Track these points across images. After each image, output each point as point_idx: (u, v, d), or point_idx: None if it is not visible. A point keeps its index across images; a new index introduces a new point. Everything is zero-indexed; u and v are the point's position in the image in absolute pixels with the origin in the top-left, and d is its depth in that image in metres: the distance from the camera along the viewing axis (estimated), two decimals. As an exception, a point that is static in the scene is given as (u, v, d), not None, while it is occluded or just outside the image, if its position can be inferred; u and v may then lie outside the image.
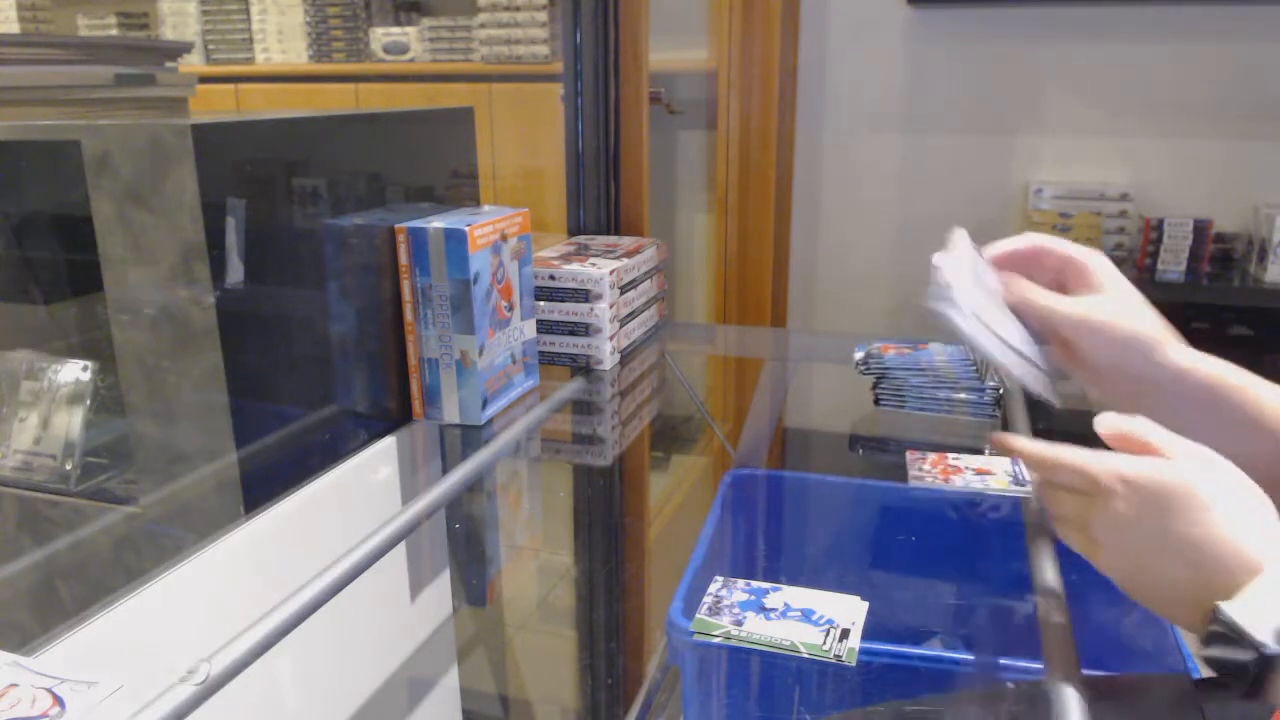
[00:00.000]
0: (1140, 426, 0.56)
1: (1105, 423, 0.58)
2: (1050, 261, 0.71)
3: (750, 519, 0.96)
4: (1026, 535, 0.80)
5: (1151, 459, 0.54)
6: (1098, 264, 0.70)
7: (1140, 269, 2.27)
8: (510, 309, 0.99)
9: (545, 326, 1.15)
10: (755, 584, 0.69)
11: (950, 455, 0.93)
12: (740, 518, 0.94)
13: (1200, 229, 2.21)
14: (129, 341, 0.74)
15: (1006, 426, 1.07)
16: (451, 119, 1.03)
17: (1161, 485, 0.52)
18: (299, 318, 0.81)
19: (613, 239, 1.38)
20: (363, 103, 2.95)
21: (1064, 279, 0.71)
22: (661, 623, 0.67)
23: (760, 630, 0.64)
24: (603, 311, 1.13)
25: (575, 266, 1.15)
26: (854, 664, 0.61)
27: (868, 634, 0.63)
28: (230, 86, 3.08)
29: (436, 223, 0.90)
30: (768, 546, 1.01)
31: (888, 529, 0.97)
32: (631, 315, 1.24)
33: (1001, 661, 0.66)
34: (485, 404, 0.95)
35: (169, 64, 1.22)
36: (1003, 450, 0.70)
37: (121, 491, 0.82)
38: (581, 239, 1.38)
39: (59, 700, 0.46)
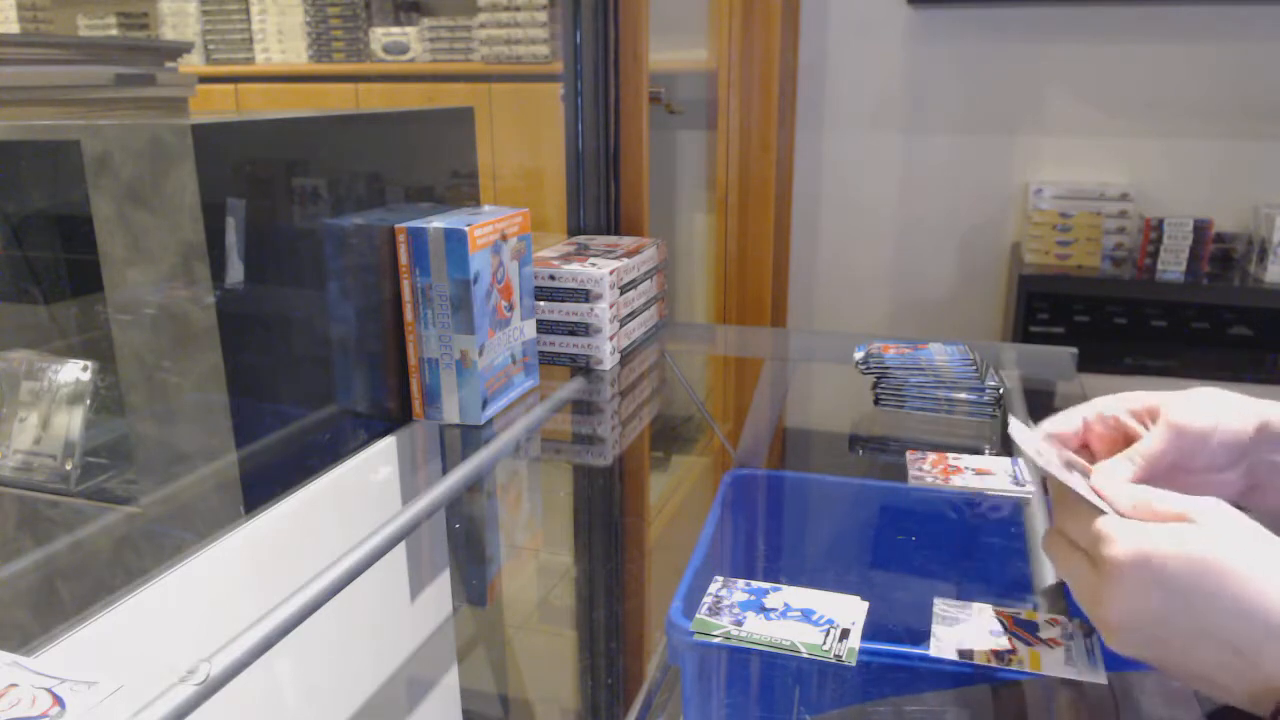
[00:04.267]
0: (1144, 492, 0.48)
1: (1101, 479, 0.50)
2: (1098, 431, 0.59)
3: (750, 519, 0.96)
4: (1026, 535, 0.80)
5: (1172, 527, 0.45)
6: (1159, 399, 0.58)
7: (1140, 269, 2.27)
8: (510, 309, 0.99)
9: (545, 326, 1.15)
10: (755, 584, 0.69)
11: (950, 455, 0.93)
12: (740, 518, 0.94)
13: (1200, 229, 2.21)
14: (129, 341, 0.74)
15: (1006, 426, 1.07)
16: (451, 119, 1.03)
17: (1188, 563, 0.43)
18: (299, 318, 0.81)
19: (613, 239, 1.38)
20: (363, 103, 2.95)
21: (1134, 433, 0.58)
22: (661, 623, 0.67)
23: (760, 630, 0.64)
24: (603, 311, 1.13)
25: (575, 266, 1.15)
26: (854, 664, 0.61)
27: (868, 634, 0.63)
28: (230, 86, 3.08)
29: (436, 223, 0.90)
30: (768, 546, 1.01)
31: (888, 529, 0.97)
32: (631, 315, 1.24)
33: (1001, 661, 0.66)
34: (485, 404, 0.95)
35: (169, 64, 1.22)
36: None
37: (121, 491, 0.82)
38: (581, 239, 1.38)
39: (59, 700, 0.46)
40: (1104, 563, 0.46)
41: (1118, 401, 0.59)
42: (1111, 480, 0.52)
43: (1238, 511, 0.46)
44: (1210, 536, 0.44)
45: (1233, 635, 0.43)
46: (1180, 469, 0.56)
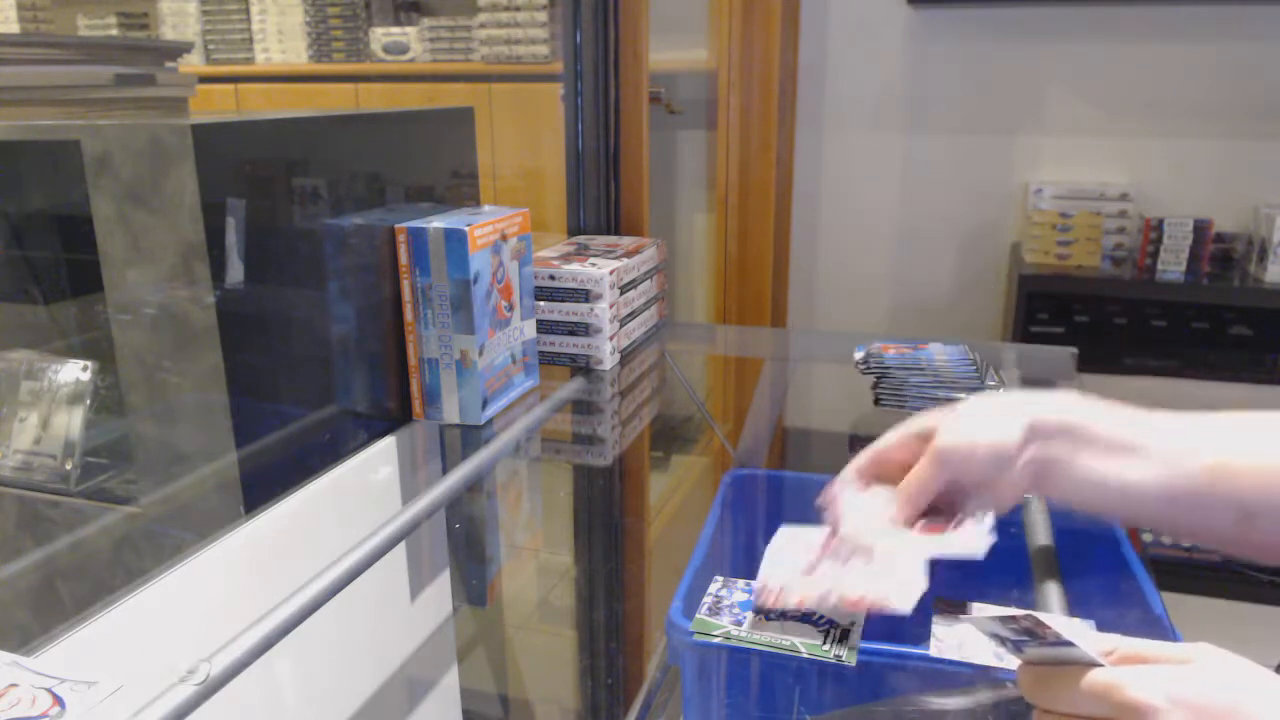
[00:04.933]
0: (1132, 643, 0.46)
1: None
2: (897, 456, 0.65)
3: (750, 519, 0.95)
4: (1026, 535, 0.80)
5: (1185, 670, 0.43)
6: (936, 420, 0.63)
7: (1140, 269, 2.27)
8: (510, 309, 0.99)
9: (545, 326, 1.15)
10: (755, 584, 0.69)
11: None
12: (740, 518, 0.94)
13: (1200, 229, 2.21)
14: (129, 341, 0.74)
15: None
16: (451, 119, 1.03)
17: (1238, 711, 0.41)
18: (299, 318, 0.81)
19: (613, 239, 1.38)
20: (363, 103, 2.95)
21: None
22: (661, 623, 0.67)
23: (760, 630, 0.64)
24: (603, 311, 1.13)
25: (575, 266, 1.15)
26: (854, 664, 0.61)
27: (868, 634, 0.63)
28: (230, 86, 3.08)
29: (436, 223, 0.90)
30: (768, 547, 1.01)
31: (888, 529, 0.97)
32: (631, 315, 1.24)
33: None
34: (485, 404, 0.95)
35: (169, 64, 1.22)
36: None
37: (121, 491, 0.82)
38: (581, 239, 1.38)
39: (59, 700, 0.46)
40: (1130, 709, 0.42)
41: (902, 428, 0.65)
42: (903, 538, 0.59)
43: (1227, 651, 0.44)
44: (1226, 679, 0.43)
45: None
46: (958, 486, 0.61)
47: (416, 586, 1.00)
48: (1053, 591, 0.71)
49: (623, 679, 1.30)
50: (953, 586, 0.62)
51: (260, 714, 0.76)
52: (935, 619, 0.64)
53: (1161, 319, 2.39)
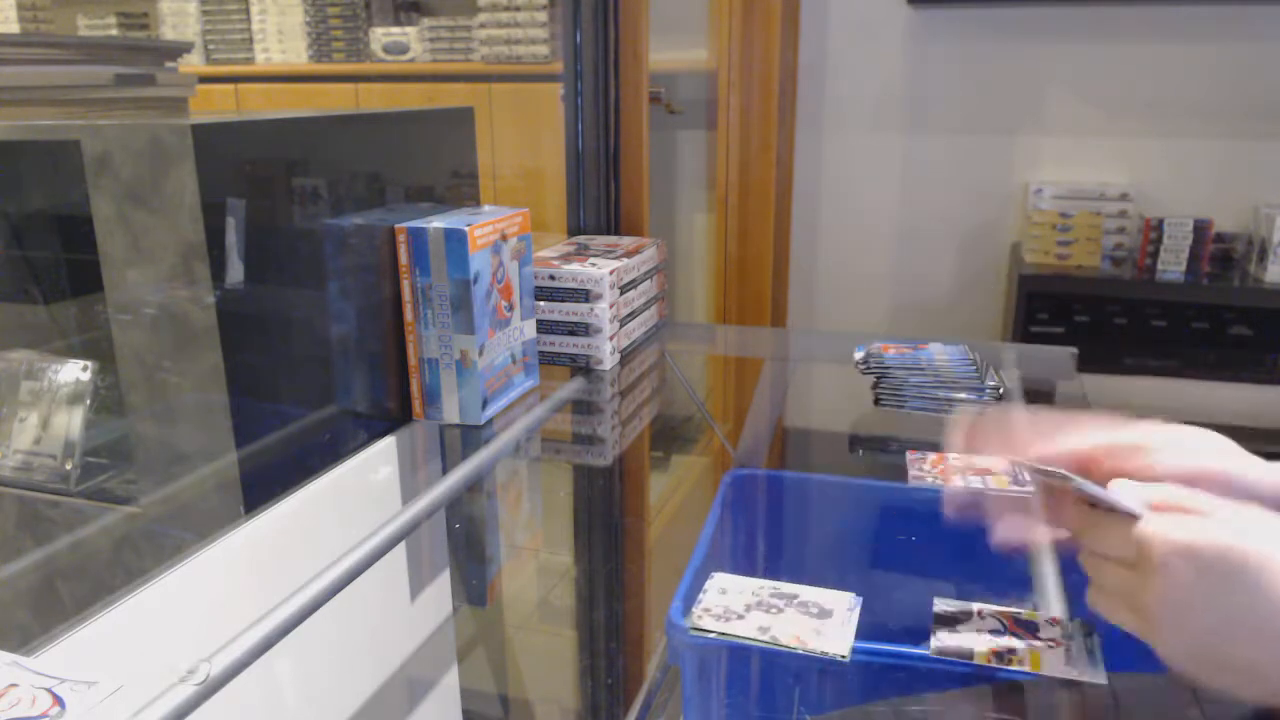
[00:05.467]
0: (1176, 493, 0.49)
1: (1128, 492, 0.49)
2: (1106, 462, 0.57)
3: (750, 519, 0.96)
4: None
5: (1208, 521, 0.47)
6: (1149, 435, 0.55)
7: (1140, 269, 2.27)
8: (510, 309, 0.99)
9: (545, 326, 1.15)
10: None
11: (950, 455, 0.93)
12: (740, 518, 0.94)
13: (1200, 229, 2.21)
14: (129, 341, 0.74)
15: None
16: (451, 119, 1.03)
17: (1229, 554, 0.45)
18: (299, 318, 0.81)
19: (613, 239, 1.38)
20: (363, 103, 2.95)
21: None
22: (661, 623, 0.67)
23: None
24: (603, 311, 1.13)
25: (575, 266, 1.15)
26: (848, 659, 0.61)
27: (868, 634, 0.63)
28: (230, 86, 3.07)
29: (436, 223, 0.90)
30: (768, 546, 1.01)
31: (888, 529, 0.97)
32: (631, 315, 1.24)
33: (1001, 661, 0.66)
34: (485, 404, 0.95)
35: (169, 64, 1.22)
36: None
37: (121, 491, 0.82)
38: (581, 239, 1.38)
39: (59, 700, 0.46)
40: (1145, 561, 0.47)
41: (1106, 437, 0.56)
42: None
43: (1267, 510, 0.47)
44: (1245, 527, 0.46)
45: (1274, 632, 0.44)
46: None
47: (416, 586, 1.00)
48: (1052, 590, 0.71)
49: (623, 679, 1.30)
50: (951, 584, 0.62)
51: (260, 714, 0.76)
52: (935, 619, 0.64)
53: (1161, 319, 2.39)
